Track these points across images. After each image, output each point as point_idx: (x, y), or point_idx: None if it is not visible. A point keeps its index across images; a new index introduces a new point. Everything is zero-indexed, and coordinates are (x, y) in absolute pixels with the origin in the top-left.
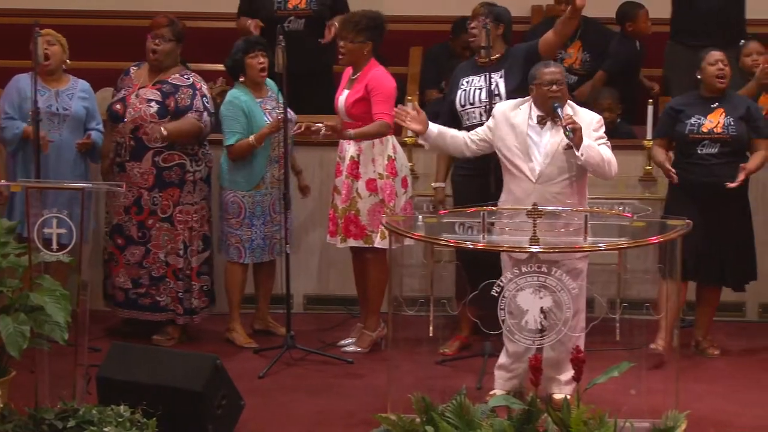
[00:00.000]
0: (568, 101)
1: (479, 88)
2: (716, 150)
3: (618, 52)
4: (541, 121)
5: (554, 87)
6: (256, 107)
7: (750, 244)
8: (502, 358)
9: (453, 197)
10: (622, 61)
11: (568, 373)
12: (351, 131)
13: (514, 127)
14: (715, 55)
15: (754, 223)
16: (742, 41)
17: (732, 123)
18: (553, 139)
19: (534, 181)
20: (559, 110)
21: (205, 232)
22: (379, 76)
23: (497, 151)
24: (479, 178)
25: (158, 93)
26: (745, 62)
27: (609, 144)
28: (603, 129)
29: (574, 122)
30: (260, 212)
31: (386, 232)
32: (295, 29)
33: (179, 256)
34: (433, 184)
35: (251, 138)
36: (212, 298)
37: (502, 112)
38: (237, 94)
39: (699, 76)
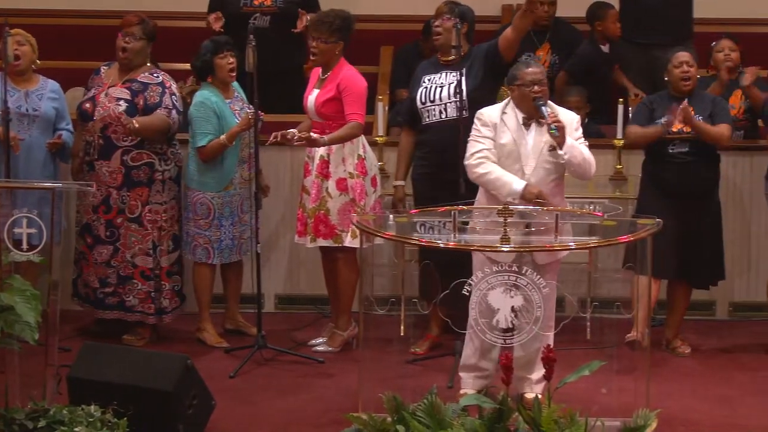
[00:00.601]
0: (548, 101)
1: (440, 86)
2: (686, 149)
3: (581, 53)
4: (526, 123)
5: (536, 87)
6: (226, 108)
7: (719, 243)
8: (466, 358)
9: (413, 195)
10: (584, 62)
11: (539, 372)
12: (324, 138)
13: (508, 129)
14: (680, 56)
15: (724, 222)
16: (714, 42)
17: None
18: (538, 140)
19: None
20: (543, 108)
21: (175, 232)
22: (351, 76)
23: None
24: (437, 175)
25: (127, 91)
26: (717, 58)
27: (587, 143)
28: (581, 129)
29: (558, 120)
30: (229, 213)
31: (357, 231)
32: (261, 26)
33: (148, 255)
34: (393, 183)
35: (222, 137)
36: (183, 297)
37: (494, 117)
38: (207, 95)
39: (666, 78)
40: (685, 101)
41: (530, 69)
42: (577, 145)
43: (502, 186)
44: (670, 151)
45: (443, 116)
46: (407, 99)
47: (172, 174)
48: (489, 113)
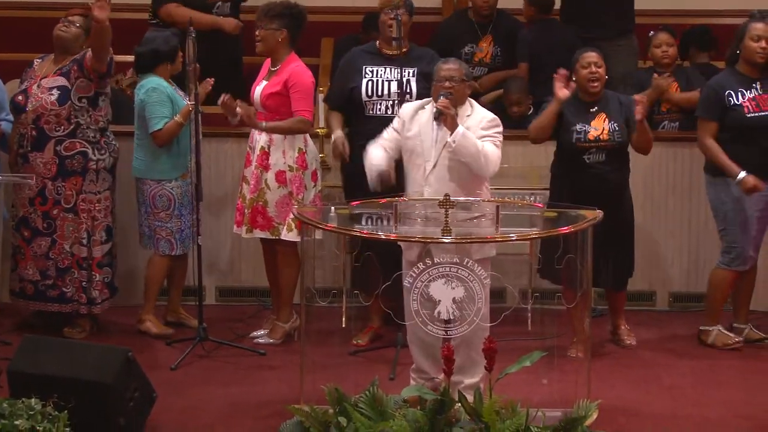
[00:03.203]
0: (470, 99)
1: (388, 81)
2: (603, 157)
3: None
4: (437, 118)
5: (447, 83)
6: (176, 94)
7: (631, 244)
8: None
9: (344, 188)
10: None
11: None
12: (264, 123)
13: (419, 125)
14: (588, 57)
15: (659, 213)
16: (652, 32)
17: (617, 128)
18: (444, 135)
19: (425, 179)
20: (441, 98)
21: (109, 223)
22: (299, 72)
23: (402, 151)
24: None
25: (61, 78)
26: (654, 53)
27: (498, 143)
28: (496, 129)
29: (446, 106)
30: (187, 201)
31: (293, 225)
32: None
33: (82, 245)
34: (333, 135)
35: (177, 117)
36: (114, 290)
37: (409, 111)
38: (159, 81)
39: (574, 78)
40: (642, 96)
41: (446, 65)
42: (471, 136)
43: (367, 159)
44: (587, 160)
45: (389, 112)
46: (338, 86)
47: (107, 164)
48: (406, 107)
